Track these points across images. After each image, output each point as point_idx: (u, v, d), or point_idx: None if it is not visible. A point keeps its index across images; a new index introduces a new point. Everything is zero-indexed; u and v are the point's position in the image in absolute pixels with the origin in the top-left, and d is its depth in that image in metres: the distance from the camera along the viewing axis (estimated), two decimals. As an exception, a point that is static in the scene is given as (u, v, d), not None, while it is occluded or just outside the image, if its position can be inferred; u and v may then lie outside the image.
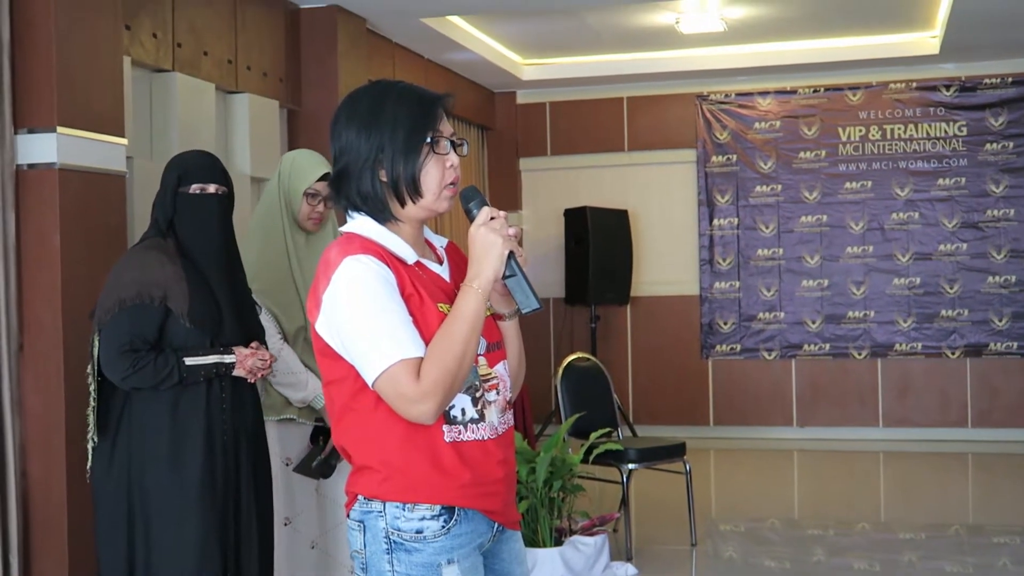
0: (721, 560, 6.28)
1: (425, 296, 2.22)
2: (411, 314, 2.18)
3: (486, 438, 2.25)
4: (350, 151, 2.26)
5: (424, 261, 2.31)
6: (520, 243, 2.29)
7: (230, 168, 6.69)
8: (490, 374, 2.29)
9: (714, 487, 8.27)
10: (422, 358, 2.14)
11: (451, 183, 2.28)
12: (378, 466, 2.21)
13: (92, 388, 3.41)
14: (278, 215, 3.91)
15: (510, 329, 2.38)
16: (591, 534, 5.64)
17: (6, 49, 4.42)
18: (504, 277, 2.24)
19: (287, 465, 3.90)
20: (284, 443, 3.90)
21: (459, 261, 2.40)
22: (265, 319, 3.76)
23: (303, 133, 7.02)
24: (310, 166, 3.96)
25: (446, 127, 2.29)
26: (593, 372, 6.71)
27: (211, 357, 3.39)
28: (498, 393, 2.30)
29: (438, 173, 2.26)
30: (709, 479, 8.47)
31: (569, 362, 6.60)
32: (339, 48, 6.99)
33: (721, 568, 6.13)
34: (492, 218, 2.23)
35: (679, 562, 6.14)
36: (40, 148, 4.47)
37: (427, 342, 2.16)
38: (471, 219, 2.26)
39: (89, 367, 3.43)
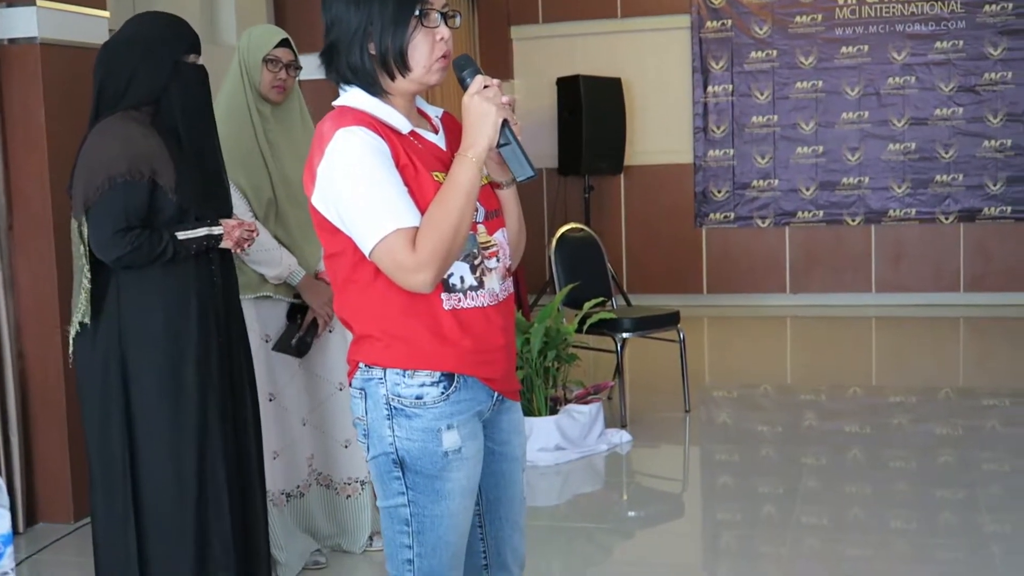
0: (715, 426, 6.36)
1: (420, 166, 2.21)
2: (406, 184, 2.18)
3: (486, 305, 2.27)
4: (339, 24, 2.24)
5: (419, 130, 2.30)
6: (513, 111, 2.26)
7: (216, 39, 6.59)
8: (490, 242, 2.30)
9: (708, 355, 8.34)
10: (418, 227, 2.14)
11: (442, 56, 2.26)
12: (379, 335, 2.24)
13: (86, 270, 3.30)
14: (241, 91, 3.86)
15: (509, 197, 2.38)
16: (586, 402, 5.70)
17: (-20, -81, 4.31)
18: (498, 146, 2.23)
19: (266, 342, 3.91)
20: (263, 320, 3.90)
21: (455, 130, 2.37)
22: (236, 197, 3.71)
23: (288, 2, 6.87)
24: (267, 34, 3.93)
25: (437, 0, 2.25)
26: (587, 242, 6.70)
27: (200, 230, 3.32)
28: (498, 260, 2.31)
29: (427, 47, 2.23)
30: (703, 347, 8.53)
31: (563, 233, 6.58)
32: (324, -87, 6.79)
33: (715, 434, 6.21)
34: (486, 86, 2.21)
35: (673, 428, 6.22)
36: (20, 22, 4.38)
37: (423, 211, 2.17)
38: (464, 87, 2.23)
39: (82, 248, 3.29)
